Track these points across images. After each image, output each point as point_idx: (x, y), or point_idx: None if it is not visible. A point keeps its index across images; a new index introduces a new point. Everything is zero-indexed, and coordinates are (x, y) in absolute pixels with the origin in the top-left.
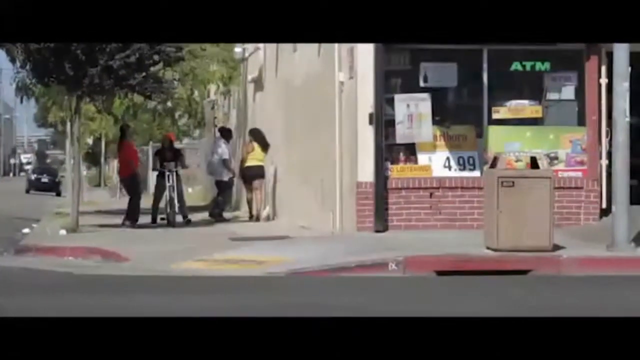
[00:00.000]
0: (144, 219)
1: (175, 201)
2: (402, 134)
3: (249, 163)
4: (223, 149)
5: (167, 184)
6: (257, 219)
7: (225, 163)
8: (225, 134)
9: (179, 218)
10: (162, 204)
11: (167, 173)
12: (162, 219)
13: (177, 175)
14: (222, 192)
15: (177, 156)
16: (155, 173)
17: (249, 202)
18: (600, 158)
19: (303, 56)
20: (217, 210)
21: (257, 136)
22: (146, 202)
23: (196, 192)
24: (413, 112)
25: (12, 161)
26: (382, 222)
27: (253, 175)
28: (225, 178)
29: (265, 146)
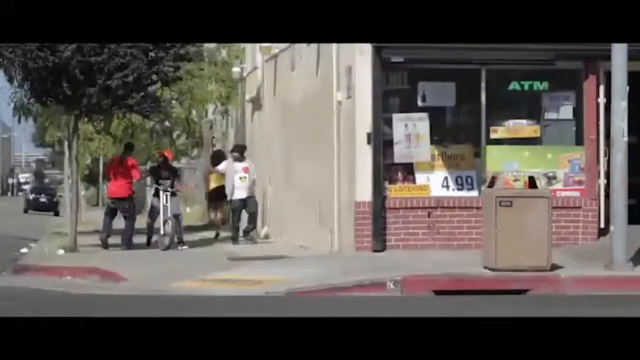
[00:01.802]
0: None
1: (170, 223)
2: (400, 153)
3: (211, 185)
4: (228, 168)
5: (162, 204)
6: (216, 237)
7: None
8: (235, 151)
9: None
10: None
11: (162, 192)
12: (155, 241)
13: (174, 194)
14: (233, 213)
15: (173, 174)
16: (152, 192)
17: (214, 222)
18: (599, 177)
19: (301, 75)
20: (233, 232)
21: (214, 159)
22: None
23: (194, 212)
24: (411, 132)
25: (10, 181)
26: (380, 241)
27: (215, 197)
28: (229, 197)
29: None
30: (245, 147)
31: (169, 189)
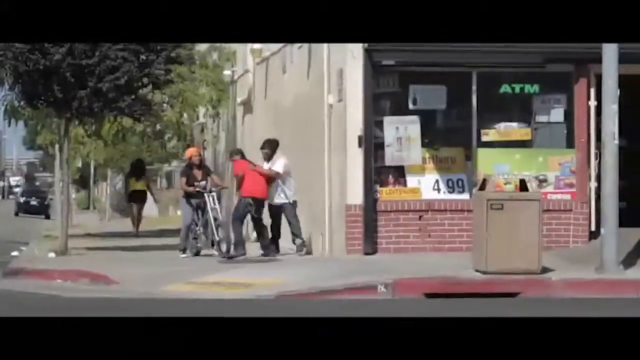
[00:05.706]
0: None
1: (224, 226)
2: (391, 156)
3: (131, 188)
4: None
5: (211, 207)
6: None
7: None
8: (263, 148)
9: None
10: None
11: (207, 195)
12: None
13: (218, 196)
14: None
15: (207, 173)
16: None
17: (133, 220)
18: (590, 180)
19: (292, 78)
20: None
21: (132, 166)
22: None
23: None
24: (402, 135)
25: (0, 184)
26: (371, 244)
27: (135, 198)
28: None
29: (137, 175)
30: (271, 143)
31: (213, 190)
